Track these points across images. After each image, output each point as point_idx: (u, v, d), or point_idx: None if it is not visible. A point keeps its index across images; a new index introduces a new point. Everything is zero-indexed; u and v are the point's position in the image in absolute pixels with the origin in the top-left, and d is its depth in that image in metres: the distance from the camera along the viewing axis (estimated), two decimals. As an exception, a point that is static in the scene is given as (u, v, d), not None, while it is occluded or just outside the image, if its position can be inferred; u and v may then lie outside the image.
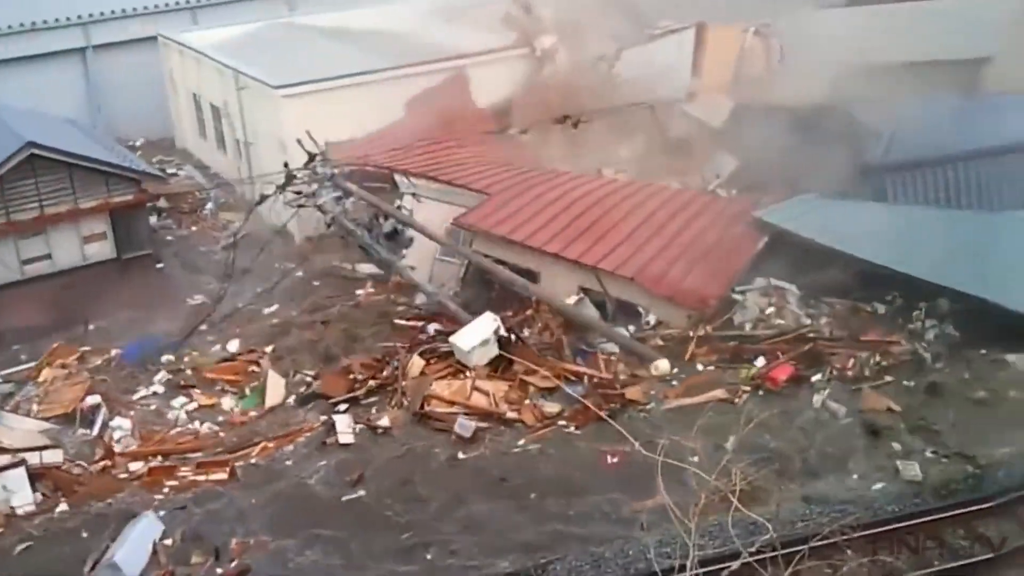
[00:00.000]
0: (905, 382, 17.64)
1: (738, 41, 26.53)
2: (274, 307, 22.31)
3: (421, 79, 26.22)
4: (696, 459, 12.38)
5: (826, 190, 21.80)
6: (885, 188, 21.82)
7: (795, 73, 24.43)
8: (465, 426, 16.68)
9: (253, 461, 16.91)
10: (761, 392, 17.66)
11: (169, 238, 26.96)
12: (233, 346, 20.72)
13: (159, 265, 24.98)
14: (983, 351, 18.29)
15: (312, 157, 21.20)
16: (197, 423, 18.33)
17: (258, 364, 19.60)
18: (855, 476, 15.42)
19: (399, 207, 22.43)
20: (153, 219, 26.76)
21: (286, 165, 21.38)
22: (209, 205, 28.60)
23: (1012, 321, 17.87)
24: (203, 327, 21.48)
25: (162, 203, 28.09)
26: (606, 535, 14.36)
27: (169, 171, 30.27)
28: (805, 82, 23.43)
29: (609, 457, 15.88)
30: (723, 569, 11.53)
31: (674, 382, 18.25)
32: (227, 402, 18.89)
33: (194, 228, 27.70)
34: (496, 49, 27.72)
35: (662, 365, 18.56)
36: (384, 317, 20.73)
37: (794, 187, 22.10)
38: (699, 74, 25.98)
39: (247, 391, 19.04)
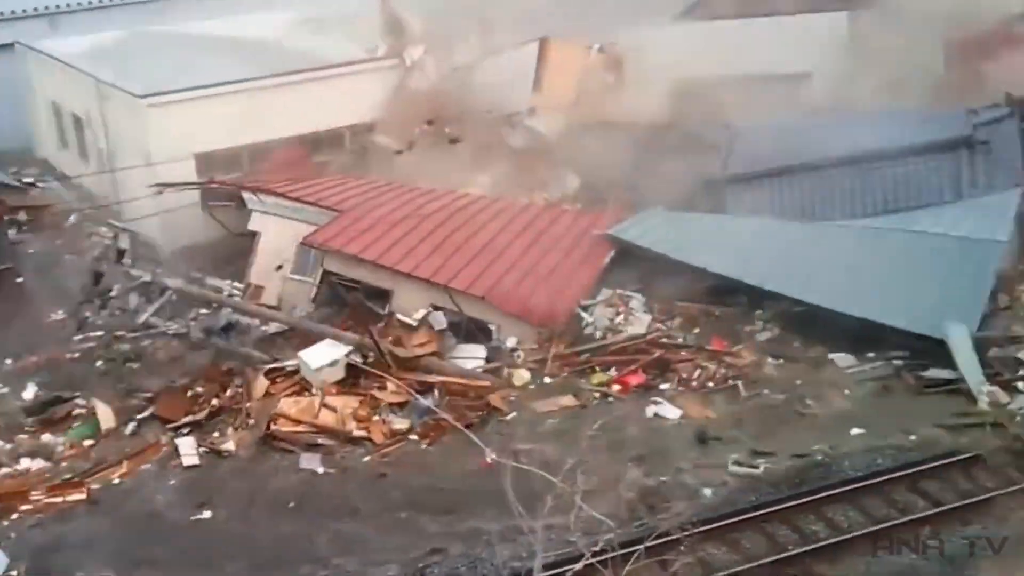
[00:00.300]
0: (743, 387, 18.62)
1: (582, 57, 27.12)
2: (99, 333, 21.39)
3: (291, 88, 26.17)
4: (546, 464, 12.69)
5: (671, 204, 22.60)
6: (725, 200, 22.75)
7: (638, 88, 25.16)
8: (311, 459, 16.78)
9: (116, 481, 16.86)
10: (611, 399, 18.46)
11: (31, 251, 26.28)
12: (28, 392, 19.69)
13: (19, 279, 24.39)
14: (812, 352, 19.54)
15: (121, 254, 19.99)
16: (27, 460, 17.76)
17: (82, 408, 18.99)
18: (693, 476, 16.10)
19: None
20: (13, 232, 26.12)
21: (95, 273, 20.11)
22: (72, 217, 28.14)
23: (841, 323, 19.17)
24: (8, 360, 20.78)
25: (22, 216, 27.53)
26: (477, 542, 14.61)
27: (27, 181, 29.55)
28: (647, 97, 24.20)
29: (489, 456, 16.09)
30: (567, 570, 12.08)
31: (532, 386, 18.95)
32: (48, 438, 18.28)
33: (58, 241, 27.17)
34: (365, 60, 27.92)
35: (521, 375, 19.19)
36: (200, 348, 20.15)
37: (639, 201, 22.86)
38: (540, 88, 26.43)
39: (71, 428, 18.53)
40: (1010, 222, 20.64)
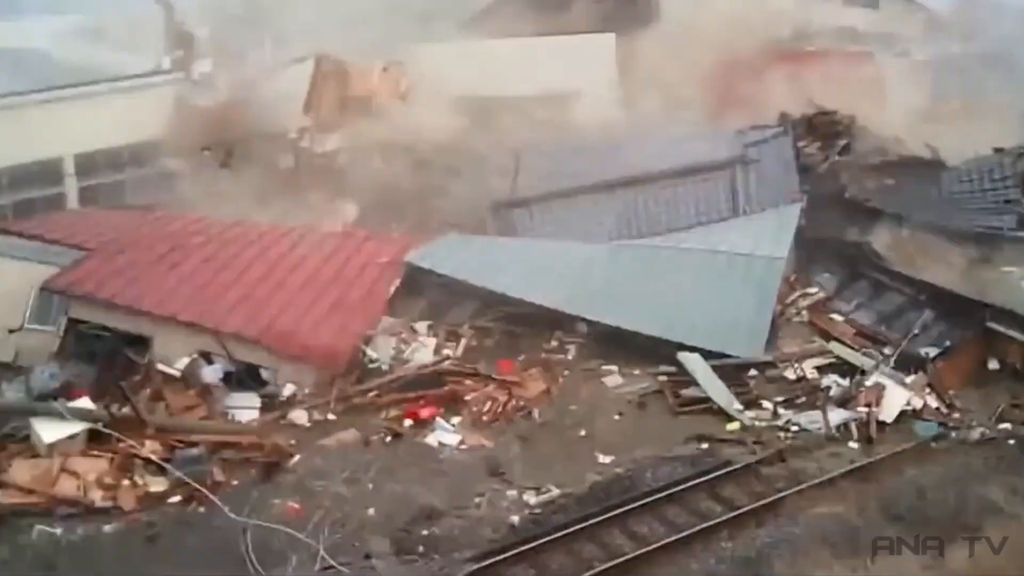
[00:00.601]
0: (533, 413, 18.15)
1: (366, 76, 26.34)
2: None
3: (61, 104, 24.03)
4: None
5: (459, 228, 22.24)
6: (514, 223, 22.58)
7: (422, 108, 24.68)
8: (47, 533, 14.62)
9: None
10: (393, 438, 17.47)
11: None
12: None
13: None
14: (603, 371, 19.35)
15: None
16: None
17: None
18: (487, 508, 15.54)
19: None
20: None
21: None
22: None
23: (635, 342, 19.23)
24: None
25: None
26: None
27: None
28: (431, 118, 23.81)
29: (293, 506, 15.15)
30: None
31: (313, 428, 17.72)
32: None
33: None
34: (148, 73, 25.99)
35: (301, 419, 17.93)
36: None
37: (425, 226, 22.36)
38: (314, 108, 25.40)
39: None
40: (789, 238, 21.21)
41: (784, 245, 20.88)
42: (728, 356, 18.83)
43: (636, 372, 19.14)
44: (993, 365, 18.88)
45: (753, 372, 18.83)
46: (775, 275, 20.24)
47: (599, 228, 22.53)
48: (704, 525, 14.66)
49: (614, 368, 19.33)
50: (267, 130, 24.50)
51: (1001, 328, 18.62)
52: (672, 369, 18.89)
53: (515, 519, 15.24)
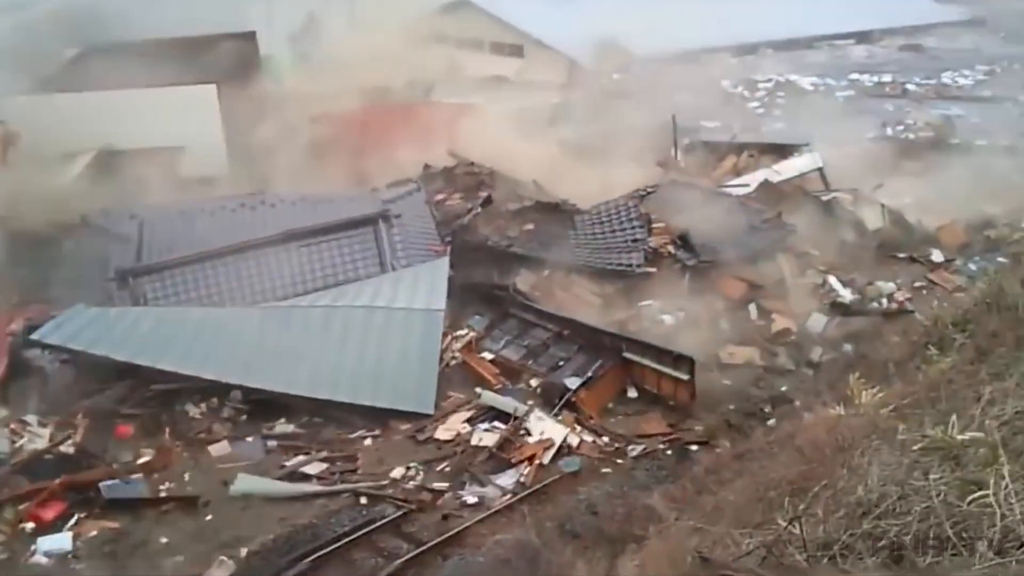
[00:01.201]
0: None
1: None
2: None
3: None
4: None
5: (83, 300, 19.87)
6: (144, 292, 20.72)
7: (24, 169, 22.14)
8: None
9: None
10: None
11: None
12: None
13: None
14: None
15: None
16: None
17: None
18: None
19: None
20: None
21: None
22: None
23: (298, 407, 18.36)
24: None
25: None
26: None
27: None
28: (34, 177, 21.39)
29: None
30: None
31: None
32: None
33: None
34: None
35: None
36: None
37: (37, 301, 20.12)
38: None
39: None
40: (443, 289, 21.18)
41: (440, 297, 20.82)
42: (400, 412, 18.35)
43: (249, 439, 17.85)
44: (632, 393, 19.67)
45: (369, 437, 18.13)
46: (436, 327, 20.07)
47: (241, 291, 21.24)
48: (391, 568, 14.15)
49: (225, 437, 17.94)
50: None
51: (636, 357, 19.59)
52: (289, 429, 18.17)
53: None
